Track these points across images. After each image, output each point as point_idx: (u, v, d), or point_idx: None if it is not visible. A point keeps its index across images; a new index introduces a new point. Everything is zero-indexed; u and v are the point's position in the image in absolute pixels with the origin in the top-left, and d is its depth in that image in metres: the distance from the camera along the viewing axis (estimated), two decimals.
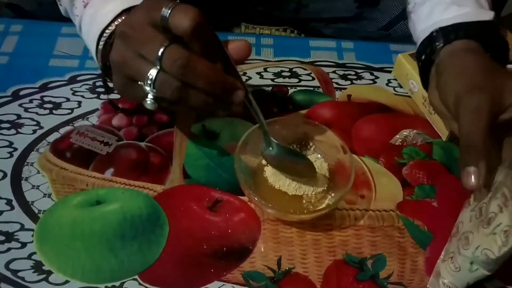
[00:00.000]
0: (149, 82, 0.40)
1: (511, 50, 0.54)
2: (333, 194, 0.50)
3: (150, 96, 0.41)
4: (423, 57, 0.53)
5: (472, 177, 0.42)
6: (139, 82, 0.41)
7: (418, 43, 0.55)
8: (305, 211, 0.49)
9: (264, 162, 0.53)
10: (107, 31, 0.45)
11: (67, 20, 0.58)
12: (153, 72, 0.40)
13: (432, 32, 0.52)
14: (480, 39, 0.50)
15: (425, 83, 0.55)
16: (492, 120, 0.43)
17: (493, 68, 0.47)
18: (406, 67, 0.61)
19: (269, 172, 0.52)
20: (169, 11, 0.39)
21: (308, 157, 0.53)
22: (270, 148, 0.49)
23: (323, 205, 0.49)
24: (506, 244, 0.40)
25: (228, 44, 0.44)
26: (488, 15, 0.52)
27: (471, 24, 0.51)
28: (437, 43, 0.51)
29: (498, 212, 0.42)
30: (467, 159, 0.42)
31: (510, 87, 0.44)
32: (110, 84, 0.47)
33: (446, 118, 0.50)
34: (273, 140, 0.49)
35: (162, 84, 0.40)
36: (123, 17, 0.45)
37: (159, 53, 0.39)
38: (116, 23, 0.45)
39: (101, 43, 0.46)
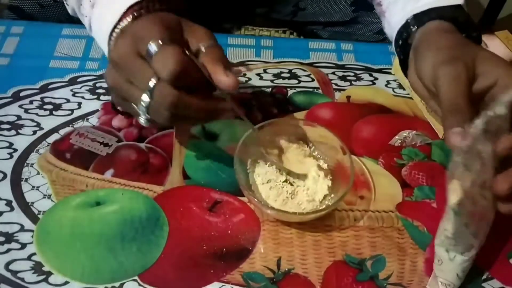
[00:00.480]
0: (142, 108, 0.42)
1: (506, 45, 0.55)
2: (332, 195, 0.50)
3: (143, 116, 0.43)
4: (400, 42, 0.54)
5: (459, 137, 0.41)
6: (133, 105, 0.43)
7: (394, 34, 0.56)
8: (305, 212, 0.49)
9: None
10: (116, 30, 0.46)
11: (68, 22, 0.58)
12: (145, 99, 0.41)
13: (407, 20, 0.54)
14: (451, 20, 0.52)
15: (405, 71, 0.56)
16: (469, 87, 0.44)
17: (465, 42, 0.49)
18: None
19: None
20: (154, 52, 0.40)
21: (308, 157, 0.53)
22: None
23: (323, 206, 0.49)
24: (450, 217, 0.41)
25: (218, 75, 0.43)
26: (458, 0, 0.53)
27: (443, 7, 0.53)
28: (411, 27, 0.53)
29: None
30: (453, 122, 0.42)
31: (481, 57, 0.46)
32: None
33: (425, 98, 0.51)
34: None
35: (154, 111, 0.42)
36: (134, 13, 0.45)
37: (151, 85, 0.40)
38: (124, 21, 0.45)
39: (112, 43, 0.46)
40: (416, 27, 0.52)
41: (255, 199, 0.47)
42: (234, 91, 0.43)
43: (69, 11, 0.55)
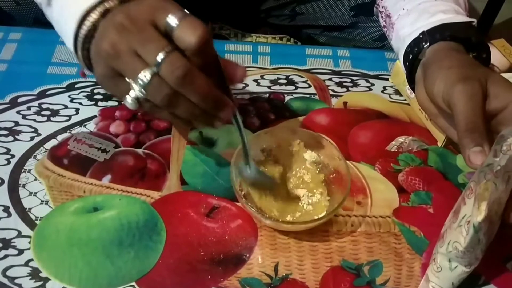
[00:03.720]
0: (140, 83, 0.39)
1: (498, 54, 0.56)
2: (328, 198, 0.51)
3: (133, 94, 0.40)
4: (410, 56, 0.55)
5: (479, 156, 0.43)
6: (127, 79, 0.40)
7: (404, 45, 0.56)
8: (302, 221, 0.49)
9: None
10: (93, 14, 0.42)
11: (45, 19, 0.57)
12: (147, 74, 0.39)
13: (419, 34, 0.54)
14: (463, 40, 0.52)
15: (411, 84, 0.56)
16: (484, 106, 0.45)
17: (476, 63, 0.50)
18: (403, 73, 0.62)
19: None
20: (178, 22, 0.38)
21: (306, 164, 0.53)
22: (248, 170, 0.49)
23: (322, 214, 0.49)
24: (468, 233, 0.41)
25: (225, 64, 0.43)
26: (469, 19, 0.54)
27: (456, 25, 0.53)
28: (423, 43, 0.53)
29: (463, 205, 0.43)
30: (472, 141, 0.44)
31: (493, 79, 0.47)
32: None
33: (433, 115, 0.52)
34: (252, 162, 0.49)
35: (154, 89, 0.39)
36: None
37: (159, 58, 0.38)
38: (106, 4, 0.42)
39: (85, 27, 0.42)
40: (428, 43, 0.52)
41: (252, 209, 0.47)
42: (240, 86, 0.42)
43: None
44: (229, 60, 0.43)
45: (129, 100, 0.40)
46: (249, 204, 0.47)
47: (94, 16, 0.42)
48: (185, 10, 0.39)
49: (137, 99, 0.40)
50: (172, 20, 0.38)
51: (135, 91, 0.40)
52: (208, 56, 0.40)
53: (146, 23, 0.39)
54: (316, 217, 0.48)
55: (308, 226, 0.49)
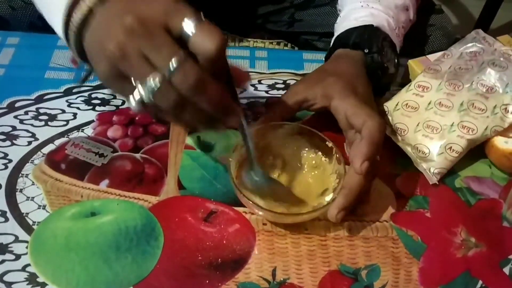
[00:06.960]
0: (148, 87, 0.37)
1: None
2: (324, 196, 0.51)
3: (138, 97, 0.38)
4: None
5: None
6: (133, 81, 0.39)
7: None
8: (297, 212, 0.49)
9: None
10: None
11: (41, 23, 0.57)
12: (156, 80, 0.37)
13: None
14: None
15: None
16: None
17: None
18: (416, 72, 0.61)
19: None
20: (194, 28, 0.37)
21: (306, 165, 0.54)
22: (253, 175, 0.49)
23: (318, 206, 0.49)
24: None
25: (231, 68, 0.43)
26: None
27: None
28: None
29: None
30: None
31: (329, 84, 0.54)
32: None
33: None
34: (258, 168, 0.48)
35: (163, 94, 0.38)
36: None
37: (172, 65, 0.36)
38: None
39: (79, 13, 0.40)
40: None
41: (245, 198, 0.47)
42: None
43: None
44: (233, 65, 0.43)
45: (133, 102, 0.39)
46: (243, 193, 0.47)
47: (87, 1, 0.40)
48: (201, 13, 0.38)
49: (141, 102, 0.39)
50: (188, 25, 0.37)
51: (140, 94, 0.38)
52: (221, 63, 0.39)
53: (158, 27, 0.37)
54: (311, 209, 0.49)
55: (306, 218, 0.49)
